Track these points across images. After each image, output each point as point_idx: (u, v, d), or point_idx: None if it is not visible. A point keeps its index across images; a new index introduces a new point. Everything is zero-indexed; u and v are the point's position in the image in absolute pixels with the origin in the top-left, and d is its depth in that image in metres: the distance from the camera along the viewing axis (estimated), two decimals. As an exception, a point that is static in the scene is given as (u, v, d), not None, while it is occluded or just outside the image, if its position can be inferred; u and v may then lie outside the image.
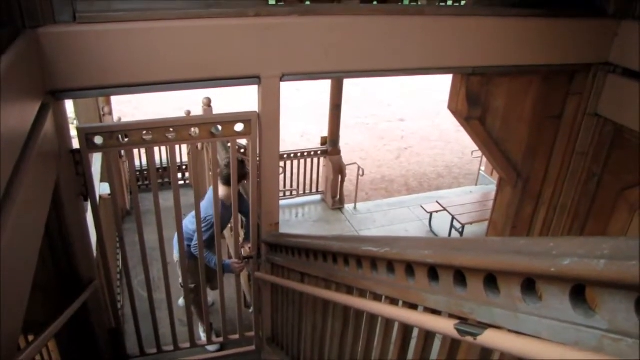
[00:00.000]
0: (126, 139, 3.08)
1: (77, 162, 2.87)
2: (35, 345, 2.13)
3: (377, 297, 1.98)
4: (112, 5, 2.63)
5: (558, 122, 3.99)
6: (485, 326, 1.17)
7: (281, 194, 8.27)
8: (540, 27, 3.42)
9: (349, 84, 10.00)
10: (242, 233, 4.78)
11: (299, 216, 8.50)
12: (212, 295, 5.31)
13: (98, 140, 2.95)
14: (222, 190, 4.00)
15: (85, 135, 2.90)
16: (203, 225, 3.85)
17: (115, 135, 3.03)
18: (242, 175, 3.84)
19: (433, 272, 1.49)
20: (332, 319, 2.65)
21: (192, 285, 4.36)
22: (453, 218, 7.71)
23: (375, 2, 6.76)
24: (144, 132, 3.12)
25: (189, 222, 4.22)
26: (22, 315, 1.60)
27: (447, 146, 12.64)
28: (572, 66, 3.71)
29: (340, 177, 8.47)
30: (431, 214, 8.07)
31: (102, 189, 4.31)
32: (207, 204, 4.05)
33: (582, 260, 0.89)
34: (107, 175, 3.41)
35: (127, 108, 11.38)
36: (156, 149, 8.27)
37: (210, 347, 4.71)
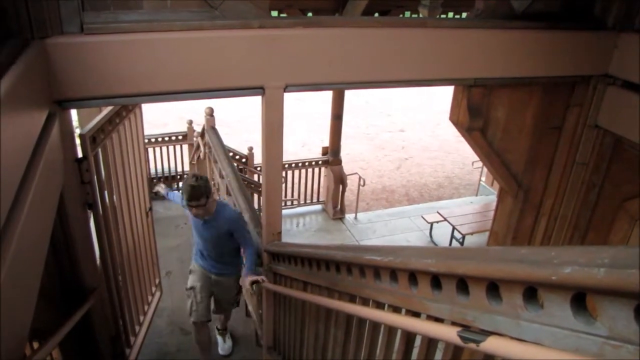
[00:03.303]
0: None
1: (83, 170, 2.90)
2: (42, 352, 2.15)
3: (379, 306, 1.99)
4: (118, 16, 2.66)
5: (558, 133, 4.01)
6: (488, 333, 1.19)
7: (282, 204, 8.28)
8: (541, 40, 3.45)
9: (351, 94, 10.04)
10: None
11: (299, 226, 8.51)
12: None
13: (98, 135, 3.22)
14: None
15: (89, 137, 2.99)
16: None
17: (114, 120, 3.48)
18: (202, 194, 3.86)
19: (436, 280, 1.51)
20: (334, 327, 2.66)
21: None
22: (454, 228, 7.72)
23: (376, 14, 6.83)
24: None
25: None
26: (28, 323, 1.61)
27: (448, 156, 12.67)
28: (572, 78, 3.73)
29: (341, 187, 8.49)
30: (432, 224, 8.09)
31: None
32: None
33: (583, 268, 0.91)
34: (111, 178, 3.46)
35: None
36: (158, 157, 8.37)
37: (222, 351, 5.13)
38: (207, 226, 4.18)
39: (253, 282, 3.87)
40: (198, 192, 3.83)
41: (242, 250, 4.24)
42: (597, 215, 4.18)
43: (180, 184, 8.52)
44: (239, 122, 13.60)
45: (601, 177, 4.02)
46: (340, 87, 3.33)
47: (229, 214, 4.20)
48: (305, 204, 8.86)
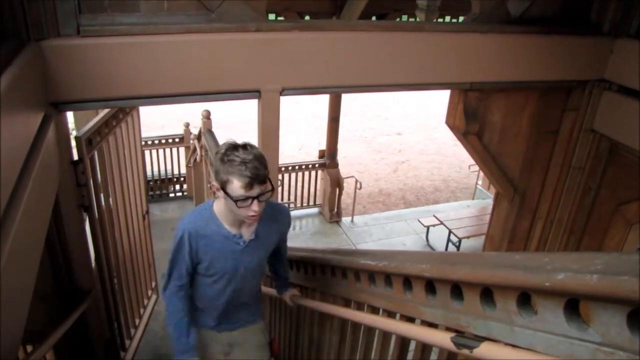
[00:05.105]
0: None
1: (79, 172, 2.89)
2: (36, 355, 2.14)
3: (374, 310, 1.99)
4: (115, 19, 2.66)
5: (554, 137, 4.03)
6: (481, 339, 1.19)
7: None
8: (537, 44, 3.46)
9: (348, 97, 10.04)
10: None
11: (296, 229, 8.50)
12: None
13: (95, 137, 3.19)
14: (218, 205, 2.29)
15: (85, 140, 2.99)
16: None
17: (110, 123, 3.46)
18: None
19: (430, 285, 1.51)
20: (329, 331, 2.66)
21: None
22: (450, 232, 7.72)
23: (374, 18, 6.84)
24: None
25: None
26: (22, 326, 1.61)
27: (445, 160, 12.67)
28: (568, 82, 3.75)
29: (337, 190, 8.49)
30: (428, 227, 8.08)
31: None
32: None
33: (576, 275, 0.91)
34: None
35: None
36: (155, 160, 8.35)
37: None
38: (254, 245, 2.32)
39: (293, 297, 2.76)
40: (263, 162, 2.05)
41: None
42: (593, 220, 4.19)
43: (184, 186, 8.46)
44: (237, 124, 13.58)
45: (597, 181, 4.04)
46: (337, 90, 3.34)
47: (285, 210, 2.54)
48: (302, 207, 8.85)
